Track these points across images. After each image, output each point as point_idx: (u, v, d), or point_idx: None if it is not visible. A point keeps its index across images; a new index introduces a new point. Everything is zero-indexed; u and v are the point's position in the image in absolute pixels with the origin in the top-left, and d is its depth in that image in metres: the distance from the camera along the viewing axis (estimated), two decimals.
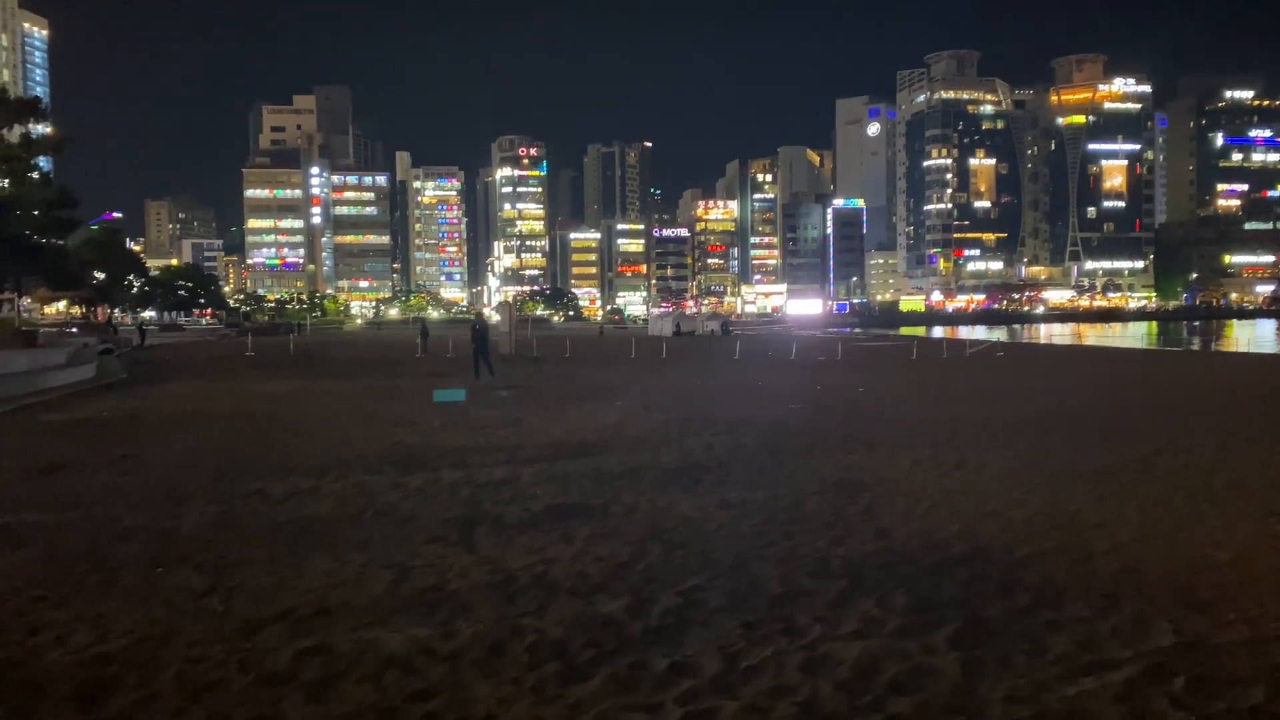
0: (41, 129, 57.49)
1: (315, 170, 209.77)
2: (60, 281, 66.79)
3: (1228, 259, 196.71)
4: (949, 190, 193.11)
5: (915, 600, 5.94)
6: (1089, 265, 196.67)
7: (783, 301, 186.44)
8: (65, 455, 12.23)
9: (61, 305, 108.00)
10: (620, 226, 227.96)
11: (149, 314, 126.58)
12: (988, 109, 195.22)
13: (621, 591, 6.15)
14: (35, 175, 57.59)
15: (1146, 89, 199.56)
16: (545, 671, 4.83)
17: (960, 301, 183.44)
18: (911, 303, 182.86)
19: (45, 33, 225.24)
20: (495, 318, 65.38)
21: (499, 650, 5.12)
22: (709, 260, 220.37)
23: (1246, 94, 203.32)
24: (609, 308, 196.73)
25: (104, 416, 17.29)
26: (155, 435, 14.50)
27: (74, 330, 70.68)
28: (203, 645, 5.20)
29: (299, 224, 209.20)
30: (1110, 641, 5.23)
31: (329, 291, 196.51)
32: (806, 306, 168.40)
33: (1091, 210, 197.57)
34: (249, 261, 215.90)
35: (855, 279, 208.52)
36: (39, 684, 4.70)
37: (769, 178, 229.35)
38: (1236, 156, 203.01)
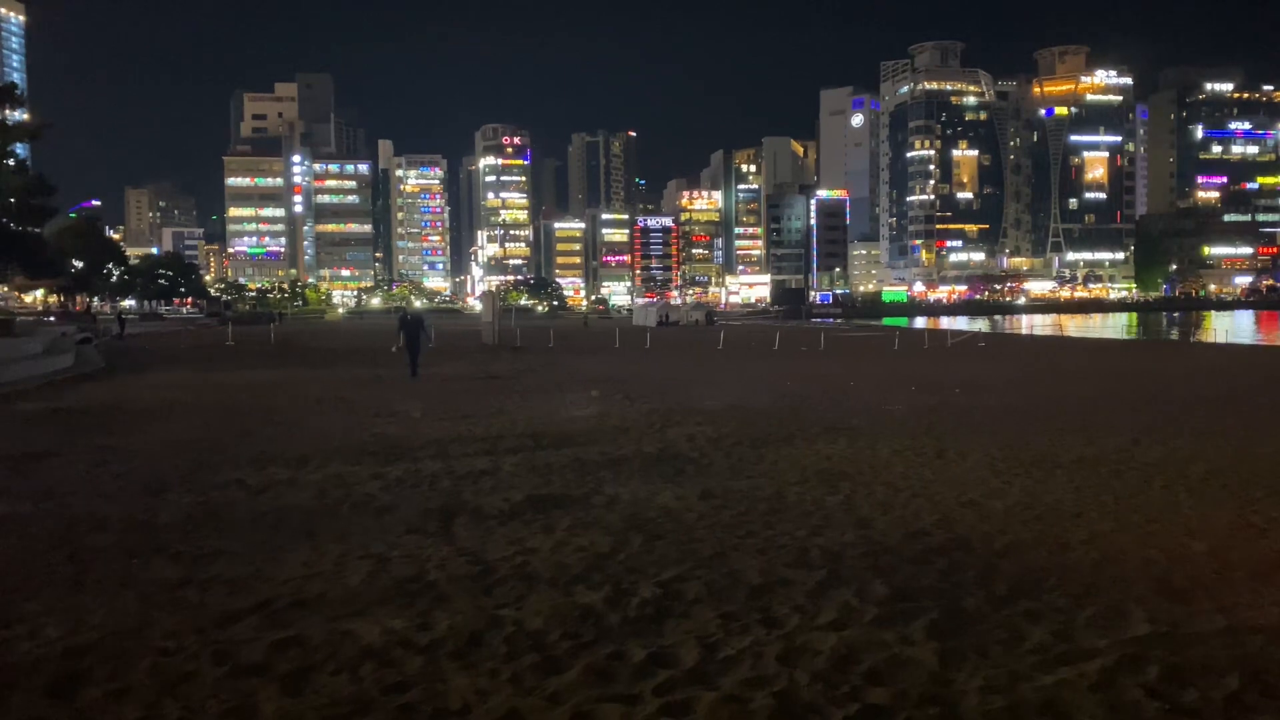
0: (18, 115, 56.93)
1: (297, 158, 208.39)
2: (38, 270, 66.16)
3: (1207, 250, 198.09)
4: (932, 181, 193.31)
5: (893, 590, 5.96)
6: (1070, 256, 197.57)
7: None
8: (41, 445, 12.11)
9: (40, 294, 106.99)
10: (605, 216, 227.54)
11: (129, 303, 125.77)
12: (971, 100, 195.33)
13: (601, 582, 6.13)
14: (11, 162, 57.11)
15: (1128, 81, 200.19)
16: (523, 663, 4.81)
17: (942, 292, 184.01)
18: (894, 293, 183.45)
19: (22, 18, 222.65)
20: (478, 307, 65.10)
21: (477, 642, 5.10)
22: (693, 250, 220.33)
23: (1226, 86, 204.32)
24: (593, 298, 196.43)
25: (81, 406, 17.13)
26: (133, 425, 14.38)
27: (52, 319, 70.08)
28: (177, 637, 5.15)
29: (280, 212, 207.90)
30: (1087, 631, 5.26)
31: (310, 280, 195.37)
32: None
33: (1073, 202, 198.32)
34: (230, 250, 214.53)
35: (838, 269, 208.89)
36: (10, 676, 4.65)
37: (753, 168, 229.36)
38: (1216, 148, 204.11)
